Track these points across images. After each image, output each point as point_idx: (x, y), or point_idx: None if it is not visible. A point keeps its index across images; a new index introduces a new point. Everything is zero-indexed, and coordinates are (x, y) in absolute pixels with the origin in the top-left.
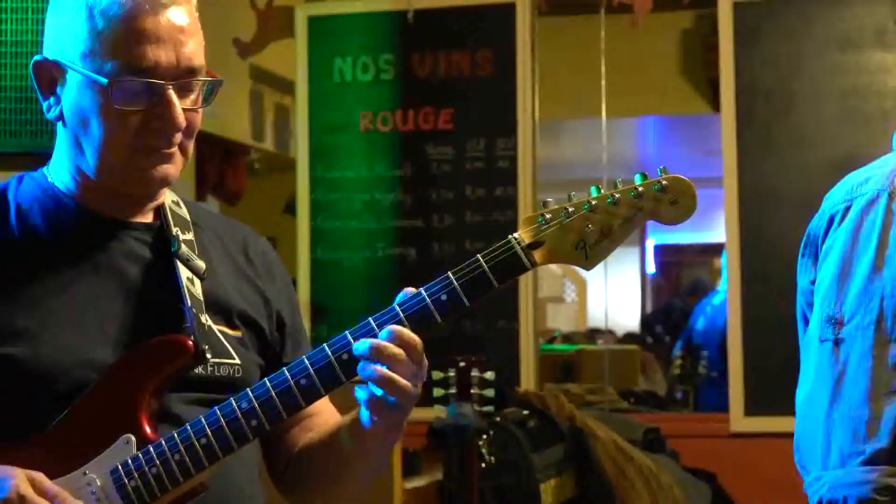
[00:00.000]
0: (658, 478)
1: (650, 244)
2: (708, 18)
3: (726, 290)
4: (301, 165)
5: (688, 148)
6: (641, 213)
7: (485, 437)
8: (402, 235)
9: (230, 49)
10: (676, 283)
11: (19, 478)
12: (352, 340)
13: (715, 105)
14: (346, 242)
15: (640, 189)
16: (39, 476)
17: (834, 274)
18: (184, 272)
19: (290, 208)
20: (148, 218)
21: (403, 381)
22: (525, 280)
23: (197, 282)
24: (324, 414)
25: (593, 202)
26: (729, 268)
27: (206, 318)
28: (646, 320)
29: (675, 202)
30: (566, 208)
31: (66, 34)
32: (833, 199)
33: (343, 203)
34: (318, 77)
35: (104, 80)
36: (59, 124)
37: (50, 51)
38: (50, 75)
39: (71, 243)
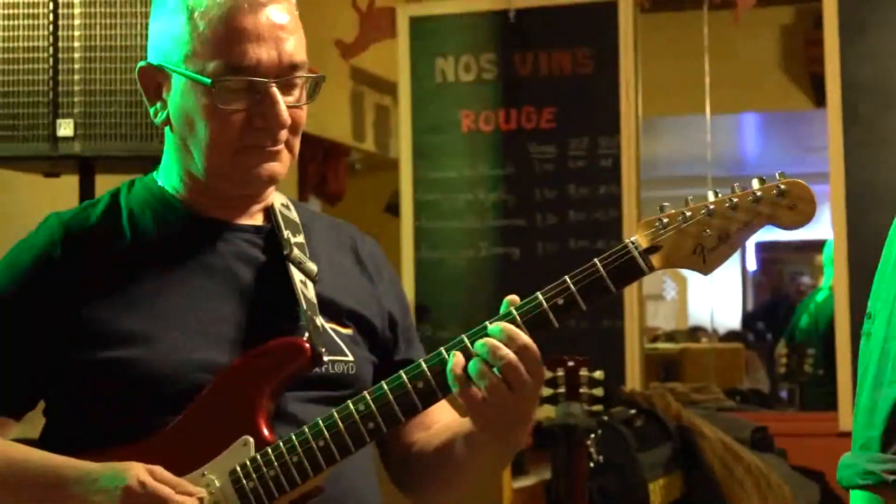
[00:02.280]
0: (767, 477)
1: (750, 241)
2: (808, 13)
3: (830, 287)
4: (404, 165)
5: (788, 144)
6: (760, 218)
7: (593, 436)
8: (504, 235)
9: (332, 50)
10: (777, 281)
11: (139, 468)
12: (469, 344)
13: (816, 100)
14: (449, 242)
15: (759, 193)
16: (158, 468)
17: (878, 272)
18: (296, 275)
19: (391, 208)
20: (258, 220)
21: (501, 384)
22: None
23: (310, 284)
24: (437, 410)
25: (711, 207)
26: (836, 265)
27: (320, 320)
28: (748, 318)
29: (793, 207)
30: (684, 213)
31: (168, 38)
32: None
33: (446, 203)
34: (420, 77)
35: (207, 81)
36: (167, 129)
37: (154, 56)
38: (155, 80)
39: (182, 246)
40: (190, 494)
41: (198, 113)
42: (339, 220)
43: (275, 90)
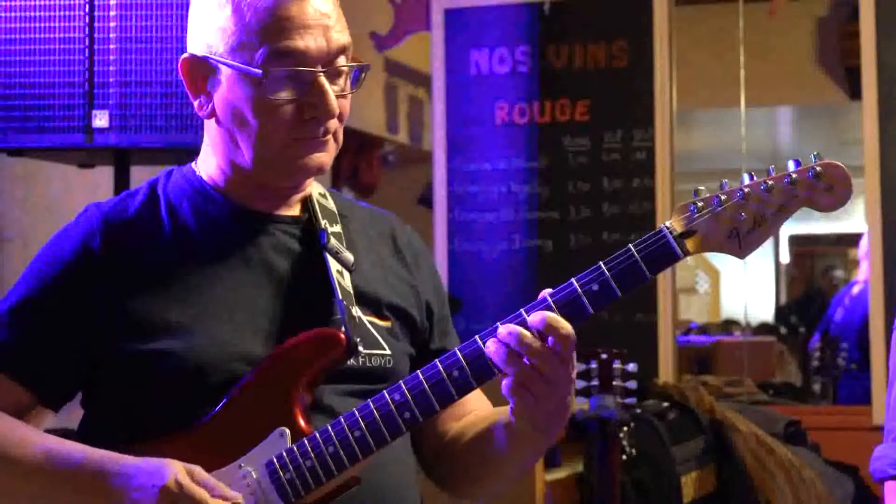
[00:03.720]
0: (800, 471)
1: (784, 234)
2: (844, 5)
3: (866, 281)
4: (438, 157)
5: (823, 137)
6: (796, 201)
7: (625, 429)
8: (539, 227)
9: (366, 42)
10: (811, 274)
11: (177, 468)
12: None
13: (851, 94)
14: (483, 234)
15: (795, 176)
16: (197, 468)
17: None
18: (333, 265)
19: (424, 200)
20: (295, 210)
21: (544, 370)
22: (663, 271)
23: (346, 274)
24: (471, 400)
25: (746, 190)
26: (871, 258)
27: (356, 311)
28: (782, 311)
29: (830, 189)
30: (718, 196)
31: (212, 29)
32: None
33: (480, 195)
34: (455, 69)
35: (257, 72)
36: (212, 121)
37: (197, 47)
38: (199, 73)
39: (221, 237)
40: (225, 499)
41: (247, 104)
42: (377, 209)
43: (323, 79)
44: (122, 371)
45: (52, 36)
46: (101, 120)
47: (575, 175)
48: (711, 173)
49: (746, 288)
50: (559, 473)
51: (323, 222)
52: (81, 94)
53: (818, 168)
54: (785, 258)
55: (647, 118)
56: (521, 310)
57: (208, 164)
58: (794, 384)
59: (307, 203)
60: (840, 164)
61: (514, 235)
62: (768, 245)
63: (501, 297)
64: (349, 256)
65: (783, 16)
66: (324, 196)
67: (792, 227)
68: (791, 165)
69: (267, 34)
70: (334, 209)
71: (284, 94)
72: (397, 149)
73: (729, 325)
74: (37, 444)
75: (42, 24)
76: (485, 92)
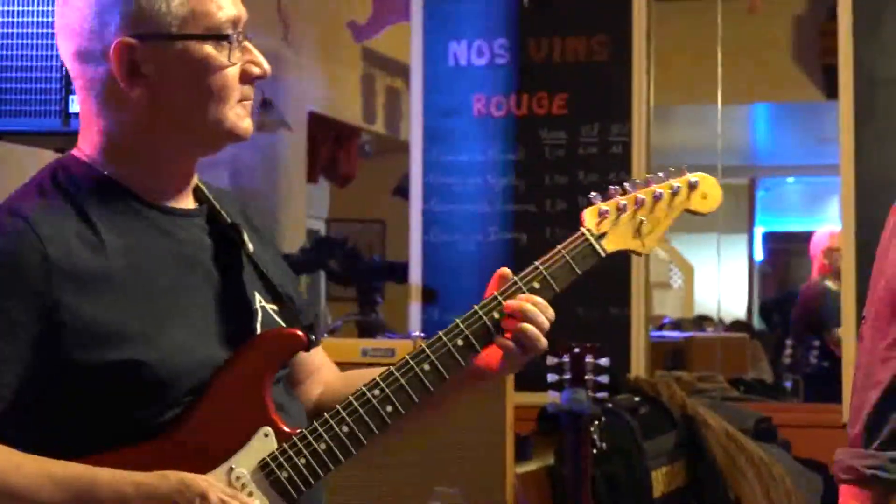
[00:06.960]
0: (770, 468)
1: (758, 231)
2: (822, 3)
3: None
4: (414, 148)
5: (800, 135)
6: (680, 205)
7: (597, 423)
8: (514, 220)
9: (345, 32)
10: (785, 271)
11: (202, 481)
12: (464, 328)
13: (828, 92)
14: (459, 226)
15: (678, 185)
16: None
17: (872, 278)
18: (243, 255)
19: (400, 191)
20: (192, 202)
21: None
22: (637, 267)
23: (254, 264)
24: (327, 367)
25: (642, 197)
26: (843, 257)
27: (262, 299)
28: (764, 307)
29: (705, 196)
30: (621, 203)
31: (151, 8)
32: None
33: (456, 186)
34: (433, 60)
35: (223, 35)
36: (128, 108)
37: (130, 30)
38: (132, 56)
39: (146, 237)
40: None
41: (198, 75)
42: (226, 188)
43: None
44: (79, 383)
45: (29, 20)
46: (77, 105)
47: (551, 168)
48: (687, 169)
49: (720, 284)
50: (530, 466)
51: (224, 213)
52: (58, 78)
53: (693, 179)
54: (759, 256)
55: (624, 113)
56: (475, 306)
57: (112, 157)
58: (766, 381)
59: (198, 194)
60: (709, 175)
61: (490, 227)
62: (742, 242)
63: (476, 288)
64: (250, 246)
65: (761, 13)
66: (205, 185)
67: (766, 225)
68: (672, 176)
69: (205, 4)
70: (212, 196)
71: (235, 58)
72: (374, 139)
73: (702, 321)
74: (37, 470)
75: (19, 8)
76: (462, 84)
